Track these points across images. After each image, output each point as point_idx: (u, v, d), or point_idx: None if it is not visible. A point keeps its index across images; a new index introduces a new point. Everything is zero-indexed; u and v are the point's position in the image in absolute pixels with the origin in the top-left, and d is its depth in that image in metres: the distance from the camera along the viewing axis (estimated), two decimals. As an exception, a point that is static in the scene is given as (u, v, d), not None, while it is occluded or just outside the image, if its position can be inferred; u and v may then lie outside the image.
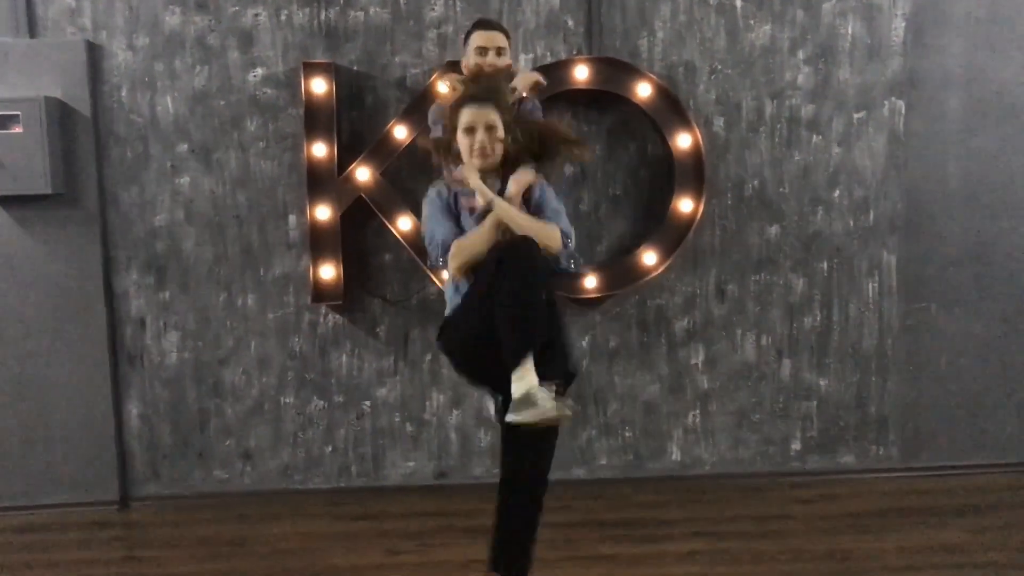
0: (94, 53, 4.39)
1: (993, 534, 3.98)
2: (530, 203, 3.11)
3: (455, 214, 3.11)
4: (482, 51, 3.55)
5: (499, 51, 3.55)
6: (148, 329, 4.55)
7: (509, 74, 3.58)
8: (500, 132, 3.05)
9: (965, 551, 3.82)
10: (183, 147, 4.47)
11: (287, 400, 4.61)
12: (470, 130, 3.04)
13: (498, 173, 3.09)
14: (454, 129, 3.10)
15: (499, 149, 3.06)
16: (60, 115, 4.35)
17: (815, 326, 4.65)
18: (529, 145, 3.11)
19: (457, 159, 3.12)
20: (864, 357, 4.67)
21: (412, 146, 4.31)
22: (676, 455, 4.69)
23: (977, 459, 4.73)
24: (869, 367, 4.67)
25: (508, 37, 3.63)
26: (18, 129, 4.24)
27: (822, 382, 4.68)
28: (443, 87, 3.86)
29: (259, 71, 4.45)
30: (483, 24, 3.64)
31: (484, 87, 3.20)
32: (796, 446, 4.71)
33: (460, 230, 3.05)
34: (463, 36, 3.71)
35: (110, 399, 4.53)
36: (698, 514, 4.28)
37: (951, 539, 3.95)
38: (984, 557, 3.75)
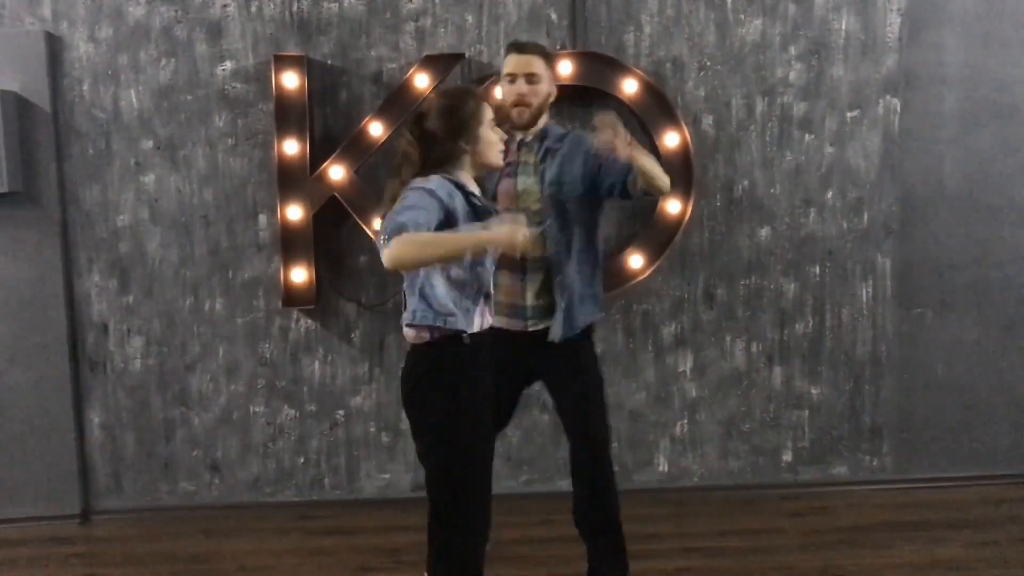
0: (54, 45, 4.22)
1: (993, 549, 3.84)
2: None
3: (451, 213, 2.66)
4: (511, 78, 3.20)
5: (530, 77, 3.17)
6: (111, 334, 4.36)
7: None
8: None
9: (966, 568, 3.68)
10: (148, 144, 4.29)
11: (257, 409, 4.43)
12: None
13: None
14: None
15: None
16: (18, 109, 4.17)
17: (807, 332, 4.50)
18: None
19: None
20: (858, 364, 4.52)
21: (388, 144, 4.14)
22: (663, 466, 4.53)
23: (974, 471, 4.59)
24: (863, 375, 4.53)
25: (547, 58, 3.26)
26: (-27, 124, 4.05)
27: (814, 390, 4.52)
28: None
29: (228, 64, 4.27)
30: (514, 47, 3.26)
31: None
32: (787, 457, 4.55)
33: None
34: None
35: (71, 408, 4.35)
36: (686, 528, 4.12)
37: (950, 555, 3.80)
38: (985, 573, 3.60)
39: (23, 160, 4.19)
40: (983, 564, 3.70)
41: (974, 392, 4.57)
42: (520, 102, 3.18)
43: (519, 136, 3.24)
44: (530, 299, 3.21)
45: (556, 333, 3.18)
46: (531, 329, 3.23)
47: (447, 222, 2.62)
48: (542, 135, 3.25)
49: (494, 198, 3.17)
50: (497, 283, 3.07)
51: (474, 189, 2.78)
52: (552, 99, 3.29)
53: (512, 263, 3.10)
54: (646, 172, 2.96)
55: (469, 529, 2.80)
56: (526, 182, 3.21)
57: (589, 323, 3.28)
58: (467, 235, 2.58)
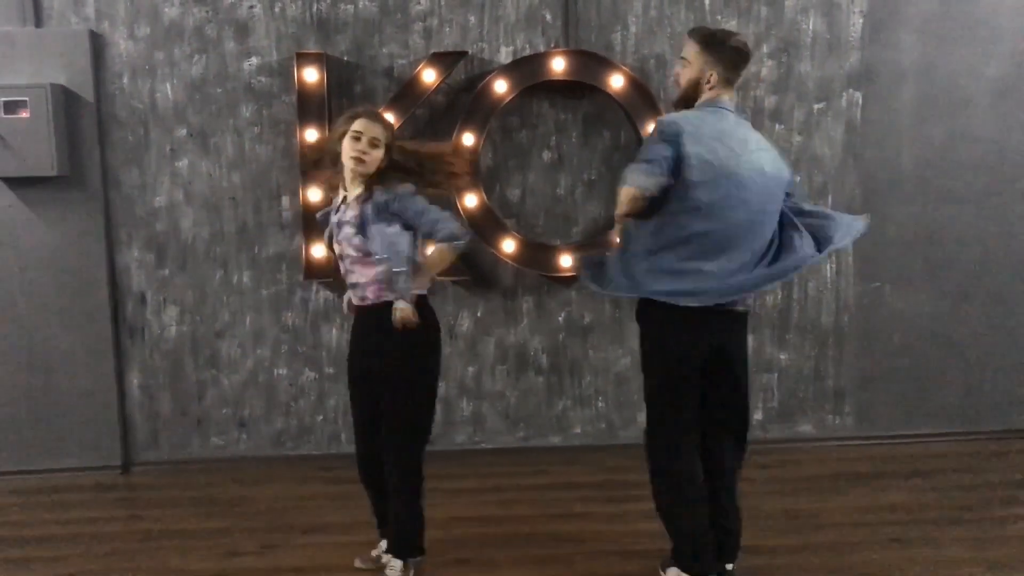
0: (97, 42, 4.63)
1: (932, 495, 4.32)
2: (366, 225, 3.27)
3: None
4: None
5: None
6: (148, 304, 4.81)
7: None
8: (380, 150, 3.29)
9: (904, 510, 4.15)
10: (182, 132, 4.72)
11: (280, 371, 4.89)
12: (356, 137, 3.28)
13: (364, 183, 3.31)
14: (342, 135, 3.31)
15: (374, 162, 3.28)
16: (65, 101, 4.59)
17: (776, 304, 4.96)
18: (405, 164, 3.36)
19: (336, 162, 3.35)
20: (822, 333, 4.99)
21: (398, 132, 4.58)
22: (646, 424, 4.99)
23: (925, 428, 5.07)
24: (827, 342, 4.99)
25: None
26: (25, 114, 4.48)
27: (783, 356, 4.99)
28: None
29: (254, 60, 4.70)
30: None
31: (375, 112, 3.45)
32: (758, 416, 5.03)
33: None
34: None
35: (113, 370, 4.80)
36: (665, 477, 4.59)
37: (896, 499, 4.28)
38: (922, 515, 4.08)
39: (70, 147, 4.63)
40: (921, 507, 4.18)
41: (926, 358, 5.04)
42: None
43: None
44: None
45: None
46: None
47: None
48: None
49: None
50: None
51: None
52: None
53: None
54: None
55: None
56: None
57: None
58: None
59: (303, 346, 4.87)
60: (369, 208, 3.25)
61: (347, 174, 3.33)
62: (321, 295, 4.84)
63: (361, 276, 3.31)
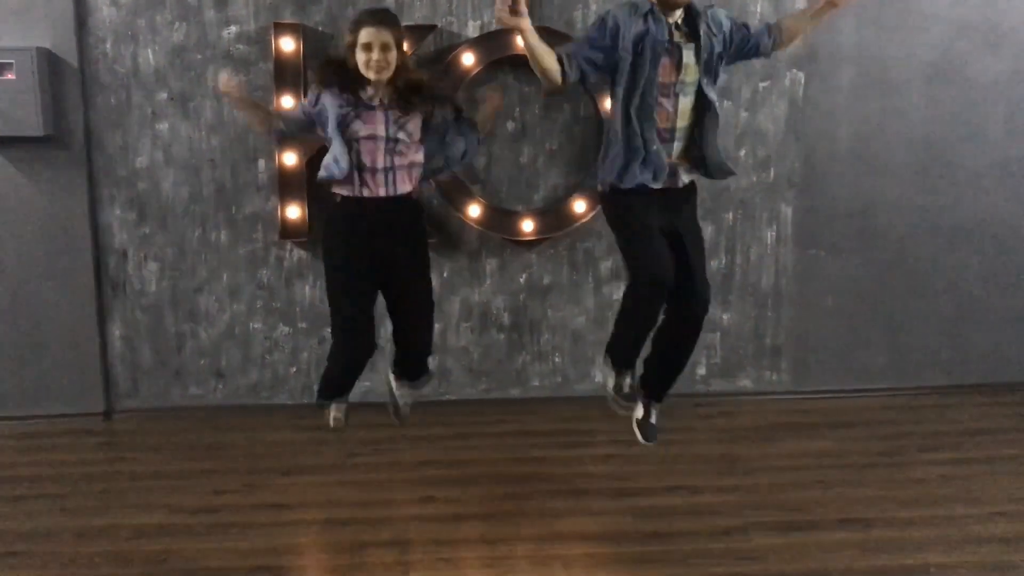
0: (81, 8, 4.80)
1: (858, 443, 4.76)
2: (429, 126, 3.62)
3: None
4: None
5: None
6: (130, 260, 5.05)
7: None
8: (394, 52, 3.45)
9: (833, 455, 4.59)
10: (162, 95, 4.93)
11: (256, 325, 5.17)
12: (367, 47, 3.41)
13: (391, 87, 3.52)
14: (351, 46, 3.46)
15: (393, 64, 3.46)
16: (50, 64, 4.77)
17: (720, 268, 5.33)
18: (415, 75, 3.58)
19: (355, 73, 3.48)
20: (762, 295, 5.38)
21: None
22: (599, 377, 5.31)
23: (854, 384, 5.49)
24: (766, 304, 5.39)
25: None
26: (11, 76, 4.66)
27: (725, 316, 5.39)
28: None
29: (233, 28, 4.91)
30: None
31: (381, 10, 3.63)
32: (702, 371, 5.42)
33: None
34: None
35: (95, 322, 5.04)
36: (615, 427, 4.89)
37: (824, 447, 4.72)
38: (847, 460, 4.53)
39: (54, 109, 4.81)
40: (846, 452, 4.62)
41: (857, 320, 5.46)
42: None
43: (669, 18, 3.44)
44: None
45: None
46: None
47: None
48: (687, 14, 3.49)
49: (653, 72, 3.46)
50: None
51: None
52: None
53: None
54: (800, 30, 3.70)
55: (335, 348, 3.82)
56: (688, 56, 3.47)
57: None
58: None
59: (277, 302, 5.15)
60: (419, 117, 3.57)
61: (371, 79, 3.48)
62: (295, 254, 5.11)
63: (392, 160, 3.56)
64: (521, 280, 5.26)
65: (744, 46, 3.63)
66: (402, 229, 3.66)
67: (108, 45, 4.86)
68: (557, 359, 5.36)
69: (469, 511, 3.98)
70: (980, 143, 5.36)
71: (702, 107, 3.52)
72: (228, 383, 5.20)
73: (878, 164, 5.34)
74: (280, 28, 4.80)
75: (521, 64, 4.97)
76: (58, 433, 4.93)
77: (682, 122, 3.53)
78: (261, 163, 5.02)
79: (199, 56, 4.91)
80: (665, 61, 3.45)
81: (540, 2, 4.99)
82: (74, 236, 4.96)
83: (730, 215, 5.29)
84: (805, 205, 5.32)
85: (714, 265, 5.32)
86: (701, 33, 3.48)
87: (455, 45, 4.94)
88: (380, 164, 3.55)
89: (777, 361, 5.46)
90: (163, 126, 4.95)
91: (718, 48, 3.52)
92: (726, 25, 3.58)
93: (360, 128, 3.52)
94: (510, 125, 5.11)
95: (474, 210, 5.05)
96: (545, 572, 3.51)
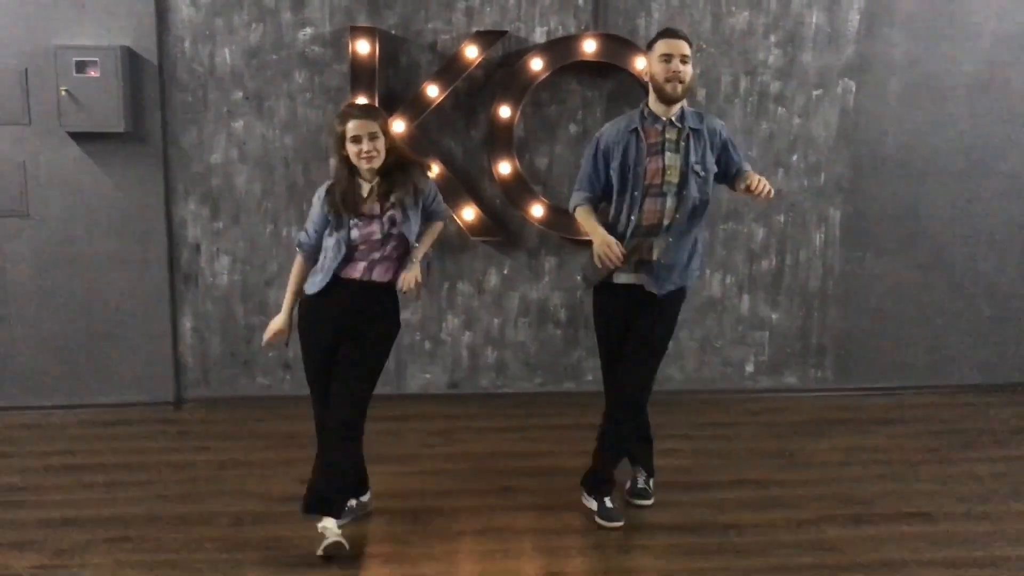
0: (162, 8, 4.95)
1: (907, 439, 4.96)
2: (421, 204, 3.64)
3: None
4: (667, 58, 3.60)
5: (684, 59, 3.59)
6: (203, 253, 5.20)
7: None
8: (382, 139, 3.48)
9: (881, 451, 4.79)
10: (238, 95, 5.08)
11: (322, 319, 5.32)
12: (356, 139, 3.45)
13: (378, 173, 3.54)
14: (341, 137, 3.49)
15: (383, 152, 3.48)
16: (130, 62, 4.91)
17: (770, 269, 5.53)
18: (400, 148, 3.65)
19: (346, 163, 3.53)
20: (809, 296, 5.58)
21: (441, 103, 5.02)
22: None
23: (896, 382, 5.71)
24: (813, 304, 5.59)
25: (691, 45, 3.66)
26: (95, 74, 4.80)
27: (774, 315, 5.58)
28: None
29: (308, 31, 5.05)
30: (668, 32, 3.69)
31: (363, 105, 3.76)
32: (750, 368, 5.63)
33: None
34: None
35: (168, 313, 5.20)
36: (672, 420, 5.14)
37: (872, 442, 4.92)
38: (899, 456, 4.73)
39: (134, 105, 4.96)
40: (897, 448, 4.83)
41: (899, 320, 5.67)
42: (674, 78, 3.60)
43: (663, 118, 3.65)
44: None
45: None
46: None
47: None
48: (681, 118, 3.67)
49: (644, 174, 3.68)
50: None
51: None
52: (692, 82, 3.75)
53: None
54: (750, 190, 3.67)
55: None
56: (672, 158, 3.66)
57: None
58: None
59: (344, 296, 5.29)
60: (409, 199, 3.55)
61: (362, 171, 3.53)
62: (362, 250, 5.26)
63: (379, 254, 3.58)
64: (578, 278, 5.41)
65: (728, 170, 3.80)
66: (371, 306, 3.66)
67: (187, 44, 5.00)
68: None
69: (548, 501, 4.14)
70: (1020, 151, 5.57)
71: (686, 207, 3.70)
72: (295, 374, 5.35)
73: (922, 171, 5.53)
74: (356, 31, 4.95)
75: (585, 69, 5.17)
76: (130, 421, 5.08)
77: (667, 220, 3.71)
78: (332, 162, 5.15)
79: (274, 57, 5.05)
80: (651, 163, 3.66)
81: (605, 10, 5.15)
82: (149, 229, 5.11)
83: (781, 217, 5.48)
84: (852, 209, 5.51)
85: (764, 266, 5.51)
86: (689, 134, 3.67)
87: (524, 50, 5.09)
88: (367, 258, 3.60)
89: (822, 359, 5.66)
90: (238, 124, 5.10)
91: (710, 153, 3.71)
92: (724, 135, 3.76)
93: (357, 236, 3.55)
94: (572, 128, 5.28)
95: (537, 210, 5.21)
96: (635, 562, 3.68)
